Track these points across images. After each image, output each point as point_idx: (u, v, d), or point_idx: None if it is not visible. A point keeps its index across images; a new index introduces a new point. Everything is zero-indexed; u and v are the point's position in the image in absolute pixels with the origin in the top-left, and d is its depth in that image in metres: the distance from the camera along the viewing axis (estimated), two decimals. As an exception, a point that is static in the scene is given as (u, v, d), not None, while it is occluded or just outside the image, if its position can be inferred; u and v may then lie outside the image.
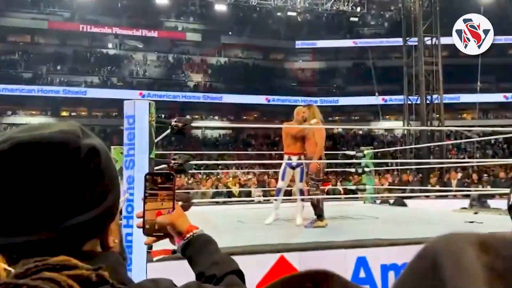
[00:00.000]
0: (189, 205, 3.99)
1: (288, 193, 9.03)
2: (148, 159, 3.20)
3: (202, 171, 15.59)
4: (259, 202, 8.37)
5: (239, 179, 13.31)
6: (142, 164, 3.17)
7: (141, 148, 3.20)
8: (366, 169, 7.29)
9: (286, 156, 5.18)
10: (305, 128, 5.01)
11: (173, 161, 3.67)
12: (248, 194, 9.58)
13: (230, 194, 9.49)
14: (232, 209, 7.27)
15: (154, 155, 3.29)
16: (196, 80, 33.82)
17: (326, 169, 5.52)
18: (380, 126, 26.46)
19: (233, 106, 31.99)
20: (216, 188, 10.12)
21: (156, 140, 3.39)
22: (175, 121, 3.73)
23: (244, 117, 34.44)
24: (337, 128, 32.90)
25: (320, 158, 4.96)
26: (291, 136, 5.10)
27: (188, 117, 26.55)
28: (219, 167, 22.90)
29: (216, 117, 33.26)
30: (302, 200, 5.13)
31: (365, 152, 7.35)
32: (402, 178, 11.68)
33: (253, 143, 32.01)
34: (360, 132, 33.54)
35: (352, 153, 7.80)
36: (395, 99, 28.30)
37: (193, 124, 4.01)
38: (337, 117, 35.28)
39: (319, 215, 4.88)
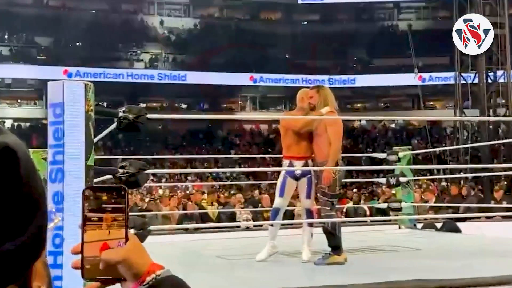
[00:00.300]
0: (145, 234, 3.98)
1: (290, 215, 9.06)
2: (84, 167, 3.19)
3: (163, 184, 15.56)
4: (247, 228, 8.38)
5: (218, 196, 13.29)
6: (76, 175, 3.17)
7: (74, 152, 3.19)
8: (402, 179, 7.32)
9: (286, 162, 5.18)
10: (314, 121, 5.02)
11: (121, 170, 3.66)
12: (231, 217, 9.57)
13: (205, 218, 9.48)
14: (208, 239, 7.24)
15: (93, 162, 3.27)
16: (153, 52, 33.76)
17: (344, 180, 5.53)
18: (421, 116, 26.61)
19: (206, 89, 31.95)
20: (184, 208, 10.10)
21: (96, 140, 3.37)
22: (124, 112, 3.72)
23: (224, 105, 34.46)
24: (359, 120, 33.10)
25: (337, 164, 4.97)
26: (292, 132, 5.11)
27: (142, 105, 26.48)
28: (189, 178, 22.90)
29: (183, 105, 33.23)
30: (311, 225, 5.14)
31: (401, 154, 7.38)
32: (453, 191, 11.78)
33: (237, 142, 32.08)
34: (393, 125, 33.78)
35: (381, 156, 7.82)
36: (443, 78, 28.54)
37: (150, 116, 3.99)
38: (358, 104, 35.48)
39: (335, 246, 4.89)
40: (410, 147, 9.11)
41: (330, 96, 5.17)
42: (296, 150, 5.11)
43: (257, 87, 33.36)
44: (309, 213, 5.16)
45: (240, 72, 31.99)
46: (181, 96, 32.96)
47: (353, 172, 22.41)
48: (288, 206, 5.59)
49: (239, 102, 35.08)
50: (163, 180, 22.03)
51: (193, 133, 31.99)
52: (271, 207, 5.51)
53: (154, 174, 19.76)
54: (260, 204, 10.59)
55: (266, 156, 24.40)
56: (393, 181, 7.37)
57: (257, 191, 16.05)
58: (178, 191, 15.12)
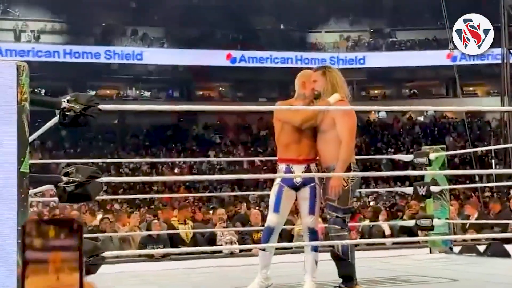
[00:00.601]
0: (97, 263, 3.96)
1: (287, 236, 9.04)
2: (16, 175, 3.17)
3: (120, 197, 15.58)
4: (232, 254, 8.40)
5: (193, 211, 13.30)
6: (5, 185, 3.13)
7: (3, 154, 3.17)
8: (434, 189, 7.35)
9: (282, 166, 5.19)
10: (319, 113, 5.03)
11: (65, 178, 3.64)
12: (211, 239, 9.58)
13: (175, 240, 9.49)
14: (180, 268, 7.26)
15: (28, 167, 3.25)
16: (106, 23, 33.58)
17: (359, 190, 5.54)
18: (458, 106, 26.75)
19: (176, 72, 31.87)
20: (149, 229, 10.09)
21: (31, 138, 3.35)
22: (68, 101, 3.71)
23: (200, 93, 34.40)
24: (377, 112, 33.19)
25: (349, 169, 4.99)
26: (291, 128, 5.12)
27: (91, 93, 26.31)
28: (154, 188, 22.84)
29: (146, 93, 33.09)
30: (315, 249, 5.14)
31: (432, 156, 7.41)
32: (493, 208, 11.79)
33: (217, 141, 32.05)
34: (421, 118, 33.90)
35: (407, 158, 7.84)
36: (485, 56, 28.62)
37: (103, 107, 3.99)
38: (376, 91, 35.57)
39: (348, 276, 4.92)
40: (444, 146, 9.14)
41: (339, 80, 5.19)
42: (296, 151, 5.12)
43: (239, 69, 32.75)
44: (313, 234, 5.15)
45: (214, 49, 31.61)
46: (142, 81, 32.83)
47: (370, 179, 22.40)
48: (285, 224, 5.59)
49: (220, 89, 34.99)
50: (120, 191, 21.95)
51: (159, 129, 31.85)
52: (263, 225, 5.51)
53: (108, 183, 19.63)
54: (248, 222, 10.59)
55: (256, 159, 24.42)
56: (422, 190, 7.39)
57: (244, 205, 16.06)
58: (141, 206, 15.11)
